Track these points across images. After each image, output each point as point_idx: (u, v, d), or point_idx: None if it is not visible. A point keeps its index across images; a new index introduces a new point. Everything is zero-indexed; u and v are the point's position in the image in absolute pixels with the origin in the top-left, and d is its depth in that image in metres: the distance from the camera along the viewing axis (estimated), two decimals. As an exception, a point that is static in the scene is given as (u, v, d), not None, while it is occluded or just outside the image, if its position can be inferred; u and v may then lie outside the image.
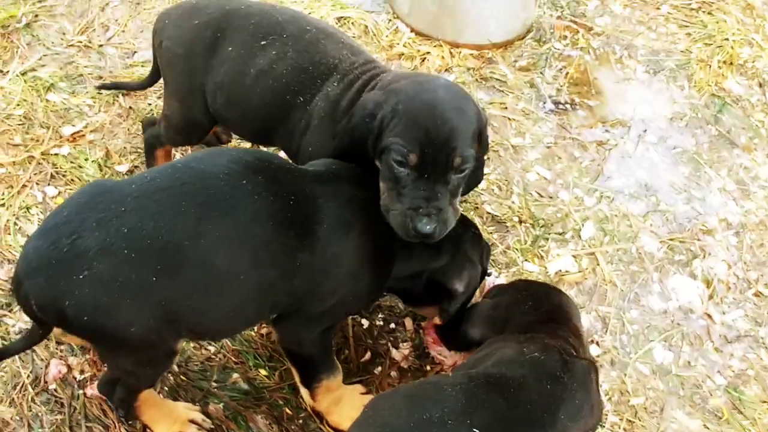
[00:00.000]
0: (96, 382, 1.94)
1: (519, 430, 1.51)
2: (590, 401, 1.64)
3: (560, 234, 2.55)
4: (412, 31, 3.09)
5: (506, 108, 2.90)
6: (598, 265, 2.47)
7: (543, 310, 1.84)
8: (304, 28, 2.02)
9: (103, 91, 2.78)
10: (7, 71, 2.80)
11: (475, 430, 1.46)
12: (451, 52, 3.06)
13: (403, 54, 3.04)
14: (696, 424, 2.14)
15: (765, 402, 2.20)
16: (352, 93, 1.91)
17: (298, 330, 1.83)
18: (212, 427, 2.00)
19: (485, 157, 1.83)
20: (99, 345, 1.71)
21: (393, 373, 2.17)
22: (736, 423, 2.15)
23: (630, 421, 2.13)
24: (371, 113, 1.68)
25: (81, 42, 2.95)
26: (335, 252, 1.70)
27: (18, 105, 2.70)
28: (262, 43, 2.01)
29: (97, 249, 1.46)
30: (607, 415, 2.12)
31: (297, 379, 1.96)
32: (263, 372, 2.13)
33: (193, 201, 1.54)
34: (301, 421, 2.04)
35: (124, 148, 2.63)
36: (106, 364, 1.89)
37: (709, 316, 2.38)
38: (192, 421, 1.97)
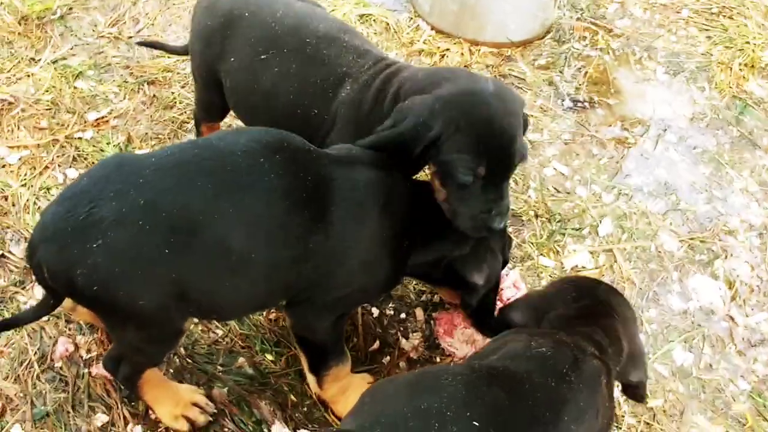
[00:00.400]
0: (101, 361, 1.75)
1: (519, 427, 1.29)
2: (596, 405, 1.40)
3: (577, 230, 2.29)
4: (433, 30, 2.88)
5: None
6: (615, 262, 2.20)
7: (583, 304, 1.59)
8: (304, 40, 1.84)
9: (128, 79, 2.63)
10: (39, 59, 2.66)
11: (474, 423, 1.24)
12: (470, 50, 2.83)
13: (422, 51, 2.82)
14: (718, 430, 1.86)
15: (792, 409, 1.92)
16: (372, 93, 1.76)
17: (311, 316, 1.65)
18: (215, 411, 1.79)
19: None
20: (107, 318, 1.55)
21: (402, 364, 1.94)
22: (760, 430, 1.87)
23: (648, 423, 1.86)
24: (426, 123, 1.55)
25: (111, 34, 2.80)
26: (349, 237, 1.52)
27: (47, 91, 2.56)
28: (262, 57, 1.86)
29: (112, 219, 1.33)
30: (623, 416, 1.85)
31: (305, 365, 1.76)
32: (269, 357, 1.92)
33: (210, 177, 1.40)
34: (305, 409, 1.84)
35: (146, 134, 2.46)
36: (113, 339, 1.71)
37: (732, 319, 2.10)
38: (195, 404, 1.77)
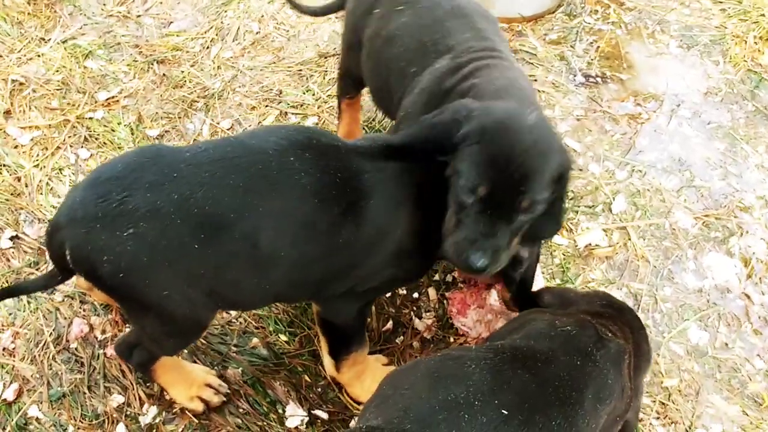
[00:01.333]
0: (114, 345, 1.64)
1: (547, 409, 1.17)
2: (621, 383, 1.28)
3: (590, 207, 2.12)
4: (442, 5, 2.68)
5: (536, 80, 2.45)
6: (629, 239, 2.04)
7: (608, 313, 1.44)
8: (438, 3, 1.75)
9: (138, 58, 2.45)
10: (49, 39, 2.48)
11: (502, 411, 1.12)
12: (480, 25, 2.63)
13: (432, 27, 2.62)
14: (734, 409, 1.73)
15: (810, 389, 1.77)
16: (459, 76, 1.63)
17: (341, 303, 1.55)
18: (228, 392, 1.68)
19: (563, 204, 1.48)
20: (126, 306, 1.45)
21: (415, 344, 1.81)
22: (778, 410, 1.74)
23: (663, 403, 1.73)
24: (459, 122, 1.39)
25: (120, 12, 2.61)
26: (381, 230, 1.41)
27: (57, 71, 2.39)
28: (398, 8, 1.77)
29: (145, 210, 1.24)
30: (639, 395, 1.72)
31: (325, 349, 1.65)
32: (283, 338, 1.79)
33: (242, 175, 1.32)
34: (319, 390, 1.72)
35: (156, 113, 2.30)
36: (132, 327, 1.59)
37: (748, 297, 1.94)
38: (209, 386, 1.65)
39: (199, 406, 1.64)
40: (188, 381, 1.65)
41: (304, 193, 1.34)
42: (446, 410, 1.10)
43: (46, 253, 1.44)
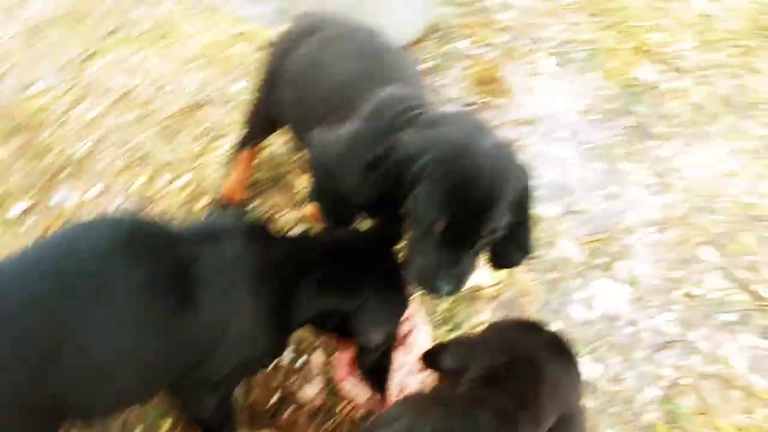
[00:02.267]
0: None
1: None
2: None
3: (475, 244, 2.02)
4: (317, 41, 2.51)
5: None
6: (514, 276, 1.95)
7: (500, 362, 1.27)
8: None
9: (0, 126, 2.21)
10: None
11: None
12: (357, 60, 2.48)
13: (308, 65, 2.46)
14: (629, 444, 1.66)
15: (702, 413, 1.69)
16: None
17: (199, 397, 1.42)
18: None
19: (529, 231, 1.39)
20: None
21: (302, 417, 1.67)
22: (671, 439, 1.67)
23: (558, 446, 1.64)
24: (413, 158, 1.27)
25: (-24, 76, 2.36)
26: (222, 316, 1.29)
27: None
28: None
29: None
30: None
31: None
32: (166, 425, 1.62)
33: (70, 285, 1.18)
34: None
35: (21, 186, 2.07)
36: None
37: (636, 323, 1.88)
38: None
39: None
40: None
41: (136, 291, 1.20)
42: None
43: None
